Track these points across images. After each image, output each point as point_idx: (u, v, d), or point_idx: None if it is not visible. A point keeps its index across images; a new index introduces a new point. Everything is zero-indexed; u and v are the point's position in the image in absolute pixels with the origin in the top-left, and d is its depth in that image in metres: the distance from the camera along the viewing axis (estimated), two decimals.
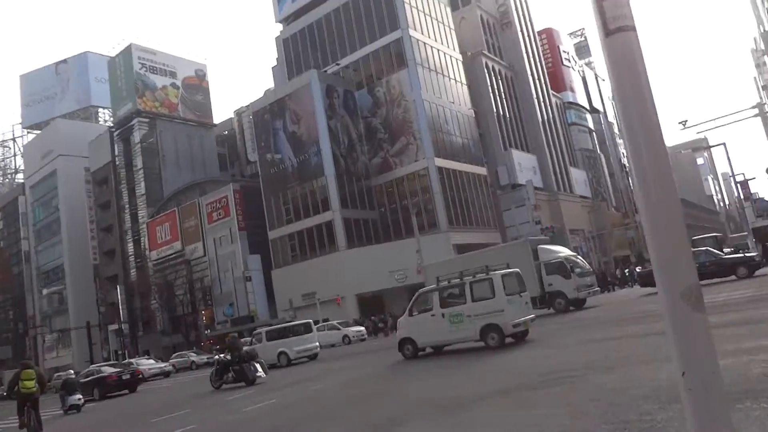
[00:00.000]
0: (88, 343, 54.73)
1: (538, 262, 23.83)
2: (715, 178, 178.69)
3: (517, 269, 15.77)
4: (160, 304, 55.73)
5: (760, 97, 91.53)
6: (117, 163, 66.96)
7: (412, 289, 45.23)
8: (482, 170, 52.99)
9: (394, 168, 49.07)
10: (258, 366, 17.00)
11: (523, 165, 59.93)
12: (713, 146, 49.56)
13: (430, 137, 47.13)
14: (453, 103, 51.99)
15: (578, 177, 72.94)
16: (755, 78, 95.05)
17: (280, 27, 59.06)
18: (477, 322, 14.16)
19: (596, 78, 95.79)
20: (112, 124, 72.32)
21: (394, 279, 43.47)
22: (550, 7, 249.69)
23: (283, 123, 49.71)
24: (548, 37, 79.31)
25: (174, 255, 56.77)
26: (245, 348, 18.36)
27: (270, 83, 67.15)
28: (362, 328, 35.54)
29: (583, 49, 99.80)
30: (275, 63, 61.52)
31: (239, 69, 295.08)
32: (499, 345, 13.82)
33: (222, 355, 18.62)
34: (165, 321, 56.68)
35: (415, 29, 49.72)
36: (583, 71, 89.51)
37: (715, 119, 36.12)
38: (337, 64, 51.94)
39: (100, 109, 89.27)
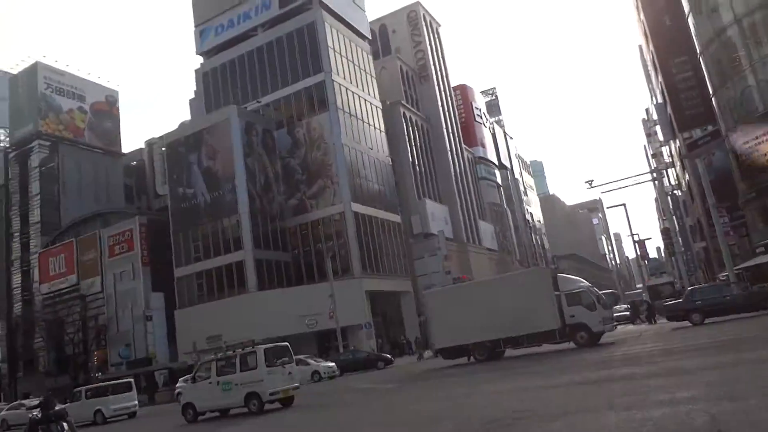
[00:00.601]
0: None
1: (558, 293, 22.03)
2: (608, 237, 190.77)
3: (286, 343, 17.77)
4: (47, 342, 51.44)
5: (649, 165, 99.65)
6: (10, 187, 62.34)
7: (322, 335, 44.75)
8: (397, 218, 53.64)
9: (310, 210, 48.71)
10: (65, 425, 16.01)
11: (436, 215, 61.25)
12: (613, 206, 52.90)
13: (348, 182, 47.30)
14: (371, 149, 52.69)
15: (486, 230, 75.42)
16: (645, 146, 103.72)
17: (200, 59, 58.06)
18: (242, 390, 16.37)
19: (505, 136, 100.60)
20: (7, 145, 67.56)
21: (304, 324, 42.56)
22: (464, 65, 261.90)
23: (199, 157, 48.33)
24: (462, 93, 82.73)
25: (68, 289, 52.94)
26: (59, 407, 17.16)
27: (186, 115, 65.49)
28: (332, 364, 32.35)
29: (493, 107, 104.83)
30: (193, 95, 60.10)
31: (153, 99, 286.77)
32: (259, 410, 15.85)
33: (34, 414, 17.30)
34: (51, 361, 52.30)
35: (338, 74, 50.35)
36: (493, 128, 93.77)
37: (615, 181, 38.72)
38: (258, 102, 51.49)
39: None
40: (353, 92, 52.29)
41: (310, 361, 31.98)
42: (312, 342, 45.14)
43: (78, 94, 66.38)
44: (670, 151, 55.17)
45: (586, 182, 36.96)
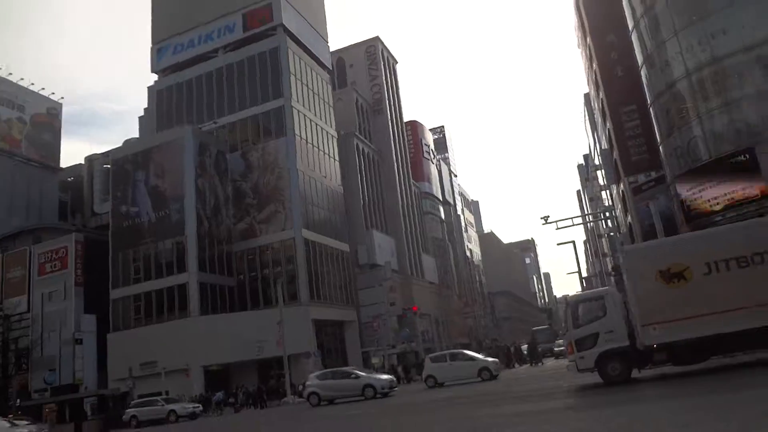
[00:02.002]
0: None
1: None
2: (539, 276, 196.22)
3: None
4: None
5: (583, 208, 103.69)
6: None
7: (263, 363, 43.26)
8: (345, 247, 53.25)
9: (259, 235, 47.70)
10: None
11: (383, 246, 61.20)
12: (564, 243, 53.95)
13: (300, 208, 46.71)
14: (325, 177, 52.42)
15: (429, 263, 75.91)
16: (579, 191, 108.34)
17: (154, 77, 56.67)
18: None
19: (450, 174, 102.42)
20: None
21: (245, 351, 41.12)
22: (415, 102, 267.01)
23: (146, 175, 46.68)
24: (413, 128, 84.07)
25: None
26: None
27: (129, 134, 63.46)
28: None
29: (440, 145, 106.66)
30: (143, 113, 58.35)
31: (94, 115, 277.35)
32: None
33: None
34: None
35: (297, 101, 50.16)
36: (439, 165, 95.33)
37: (565, 219, 39.68)
38: (215, 123, 50.57)
39: None
40: (311, 120, 52.15)
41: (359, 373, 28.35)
42: (252, 370, 43.67)
43: (18, 104, 63.23)
44: (611, 195, 57.34)
45: (541, 218, 37.78)
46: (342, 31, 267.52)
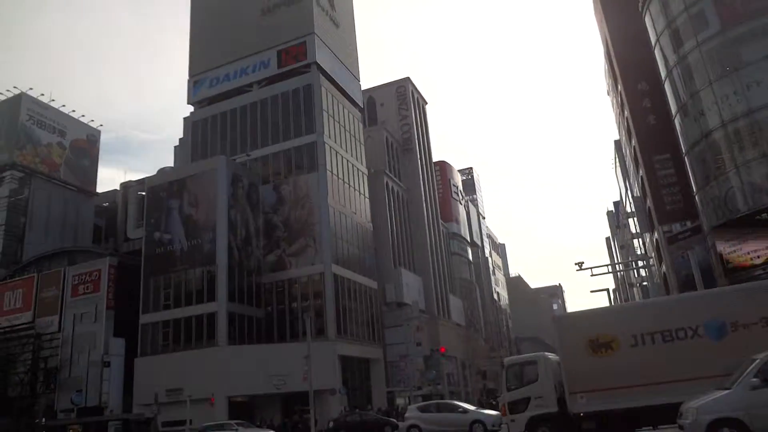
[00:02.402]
0: None
1: None
2: None
3: None
4: None
5: (613, 256, 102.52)
6: None
7: (287, 397, 43.12)
8: (373, 284, 53.28)
9: (289, 268, 48.03)
10: None
11: (410, 285, 61.07)
12: (597, 291, 53.18)
13: (330, 243, 47.06)
14: (355, 213, 52.84)
15: (455, 304, 75.38)
16: (608, 238, 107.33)
17: (190, 108, 58.25)
18: None
19: (478, 215, 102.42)
20: None
21: (271, 384, 41.07)
22: (443, 143, 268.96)
23: (180, 203, 47.57)
24: (442, 169, 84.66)
25: (21, 326, 50.19)
26: None
27: (163, 163, 64.96)
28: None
29: (468, 186, 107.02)
30: (178, 143, 59.84)
31: (129, 143, 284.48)
32: None
33: None
34: None
35: (329, 137, 51.03)
36: (467, 206, 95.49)
37: (600, 266, 39.29)
38: (248, 155, 51.56)
39: None
40: (342, 156, 52.92)
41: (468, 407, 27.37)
42: (276, 404, 43.53)
43: (59, 129, 65.43)
44: (643, 244, 56.70)
45: (576, 263, 37.63)
46: (372, 70, 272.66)
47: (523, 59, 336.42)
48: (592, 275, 38.80)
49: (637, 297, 67.43)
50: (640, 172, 46.08)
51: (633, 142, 46.98)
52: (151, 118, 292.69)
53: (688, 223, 39.35)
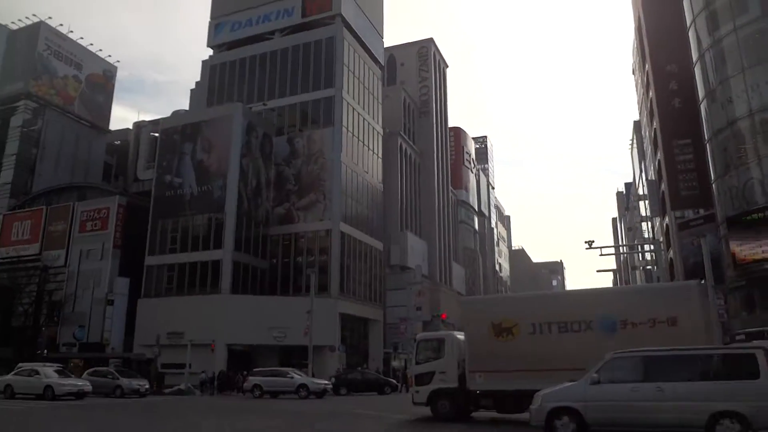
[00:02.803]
0: None
1: None
2: None
3: None
4: None
5: (617, 237, 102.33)
6: None
7: (286, 350, 43.59)
8: (379, 245, 53.30)
9: (297, 221, 48.04)
10: None
11: (415, 249, 61.13)
12: (603, 270, 53.22)
13: (340, 200, 46.92)
14: (367, 173, 52.53)
15: (458, 272, 75.58)
16: (614, 219, 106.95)
17: (209, 51, 57.41)
18: None
19: (488, 185, 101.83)
20: None
21: (271, 336, 41.50)
22: (458, 110, 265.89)
23: (193, 148, 47.28)
24: (456, 135, 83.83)
25: (28, 257, 50.64)
26: None
27: (178, 105, 64.35)
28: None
29: (481, 155, 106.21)
30: (194, 86, 59.13)
31: (144, 81, 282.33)
32: None
33: None
34: None
35: (348, 92, 50.33)
36: (478, 175, 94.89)
37: (609, 246, 39.06)
38: (264, 105, 51.00)
39: None
40: (359, 113, 52.31)
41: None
42: (274, 355, 44.01)
43: (76, 62, 64.77)
44: (652, 228, 56.38)
45: (586, 242, 37.36)
46: (395, 26, 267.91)
47: (551, 29, 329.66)
48: (602, 254, 38.53)
49: (639, 280, 67.45)
50: (658, 155, 45.43)
51: (654, 123, 46.18)
52: (168, 59, 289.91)
53: (701, 211, 38.96)
